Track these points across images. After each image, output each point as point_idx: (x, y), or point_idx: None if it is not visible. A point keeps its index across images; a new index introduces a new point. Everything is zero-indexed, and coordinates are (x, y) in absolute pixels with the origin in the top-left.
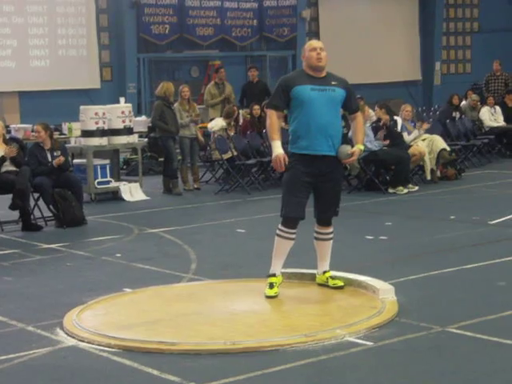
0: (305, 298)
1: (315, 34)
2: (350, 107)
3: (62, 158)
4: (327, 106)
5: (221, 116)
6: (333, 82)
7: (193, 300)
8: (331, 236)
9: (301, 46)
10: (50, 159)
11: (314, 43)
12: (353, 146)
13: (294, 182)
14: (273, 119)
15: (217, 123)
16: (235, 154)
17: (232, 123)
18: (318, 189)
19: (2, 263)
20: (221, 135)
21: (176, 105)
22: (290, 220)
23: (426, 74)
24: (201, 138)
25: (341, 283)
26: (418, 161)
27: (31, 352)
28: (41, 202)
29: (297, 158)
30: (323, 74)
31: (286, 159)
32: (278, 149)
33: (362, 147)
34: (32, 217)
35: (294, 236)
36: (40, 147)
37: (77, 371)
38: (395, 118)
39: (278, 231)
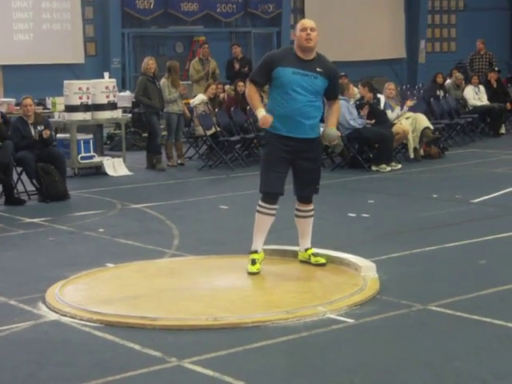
0: (287, 274)
1: (300, 11)
2: (328, 95)
3: (48, 131)
4: (306, 91)
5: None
6: (318, 69)
7: (175, 276)
8: (311, 213)
9: (286, 23)
10: (33, 133)
11: (306, 23)
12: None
13: (271, 157)
14: (251, 92)
15: (198, 97)
16: (218, 130)
17: (216, 98)
18: (295, 166)
19: None
20: (204, 111)
21: (163, 80)
22: (269, 195)
23: (410, 52)
24: (187, 113)
25: (323, 260)
26: (402, 139)
27: (13, 326)
28: (24, 176)
29: (272, 135)
30: (312, 57)
31: (272, 118)
32: (262, 112)
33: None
34: (15, 191)
35: (274, 212)
36: (23, 121)
37: (59, 345)
38: (379, 95)
39: (258, 207)
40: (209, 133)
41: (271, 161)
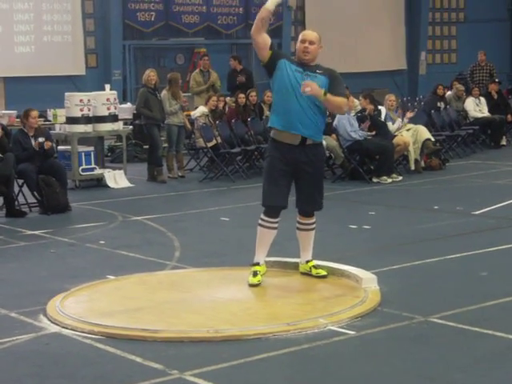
0: (288, 286)
1: (301, 23)
2: (332, 92)
3: (49, 143)
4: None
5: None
6: (318, 71)
7: (176, 288)
8: (313, 226)
9: (286, 35)
10: (33, 145)
11: (306, 35)
12: (336, 135)
13: (272, 170)
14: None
15: (198, 110)
16: (219, 141)
17: (216, 109)
18: (297, 179)
19: None
20: (205, 123)
21: (163, 92)
22: (271, 209)
23: (411, 64)
24: (188, 125)
25: (324, 272)
26: (403, 151)
27: (14, 338)
28: (25, 189)
29: (274, 145)
30: (311, 65)
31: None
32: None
33: (324, 95)
34: (16, 203)
35: (275, 225)
36: (24, 133)
37: (60, 358)
38: (379, 107)
39: (259, 221)
40: (210, 145)
41: (272, 174)
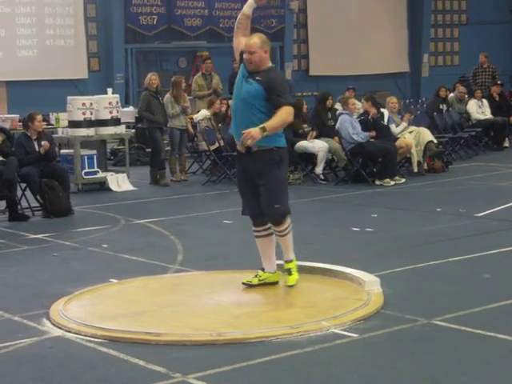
0: (290, 289)
1: (303, 26)
2: (271, 103)
3: (47, 143)
4: (243, 95)
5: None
6: (257, 78)
7: (179, 291)
8: (285, 232)
9: (289, 38)
10: (36, 149)
11: (247, 45)
12: (339, 138)
13: (237, 180)
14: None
15: (201, 113)
16: (222, 144)
17: (219, 112)
18: (256, 186)
19: None
20: (208, 126)
21: (167, 96)
22: (249, 218)
23: (413, 66)
24: (190, 128)
25: (290, 283)
26: (405, 153)
27: (17, 342)
28: (28, 192)
29: (237, 155)
30: (257, 71)
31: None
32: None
33: (263, 132)
34: (19, 207)
35: (259, 234)
36: (27, 137)
37: (63, 361)
38: (382, 110)
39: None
40: (212, 148)
41: (238, 184)
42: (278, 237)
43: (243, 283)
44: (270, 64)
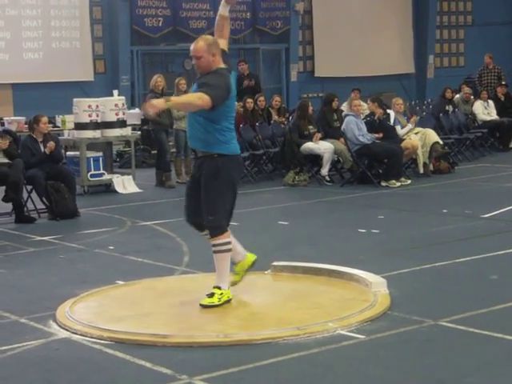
0: (297, 291)
1: (308, 27)
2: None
3: (53, 143)
4: None
5: None
6: (199, 80)
7: (185, 293)
8: (217, 249)
9: (294, 39)
10: (42, 151)
11: (192, 50)
12: (345, 139)
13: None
14: None
15: None
16: None
17: None
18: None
19: None
20: None
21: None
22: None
23: (419, 68)
24: None
25: (203, 302)
26: (411, 154)
27: (24, 344)
28: (34, 194)
29: None
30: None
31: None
32: None
33: (167, 102)
34: (25, 209)
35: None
36: (33, 139)
37: (69, 363)
38: (388, 111)
39: None
40: None
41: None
42: (213, 253)
43: (232, 286)
44: (220, 65)
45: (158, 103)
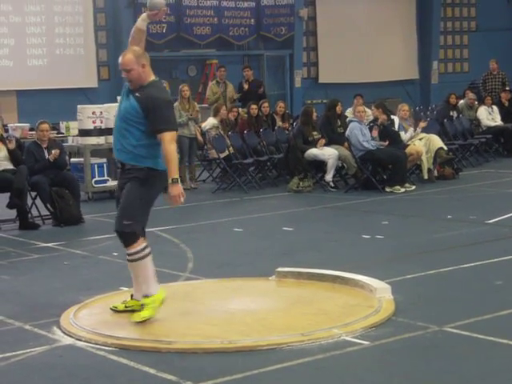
0: (301, 297)
1: (312, 33)
2: (149, 126)
3: (57, 151)
4: (122, 112)
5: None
6: (137, 94)
7: (189, 299)
8: (133, 257)
9: (298, 46)
10: (47, 157)
11: (121, 64)
12: (349, 145)
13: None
14: None
15: (208, 122)
16: (232, 151)
17: (227, 119)
18: None
19: None
20: (217, 134)
21: (176, 104)
22: None
23: (423, 73)
24: (200, 137)
25: (134, 319)
26: (416, 160)
27: (28, 351)
28: (38, 201)
29: None
30: (139, 87)
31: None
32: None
33: (174, 179)
34: (29, 215)
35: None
36: (37, 145)
37: (74, 370)
38: (392, 117)
39: None
40: (222, 155)
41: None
42: (128, 263)
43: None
44: (152, 78)
45: (177, 190)
